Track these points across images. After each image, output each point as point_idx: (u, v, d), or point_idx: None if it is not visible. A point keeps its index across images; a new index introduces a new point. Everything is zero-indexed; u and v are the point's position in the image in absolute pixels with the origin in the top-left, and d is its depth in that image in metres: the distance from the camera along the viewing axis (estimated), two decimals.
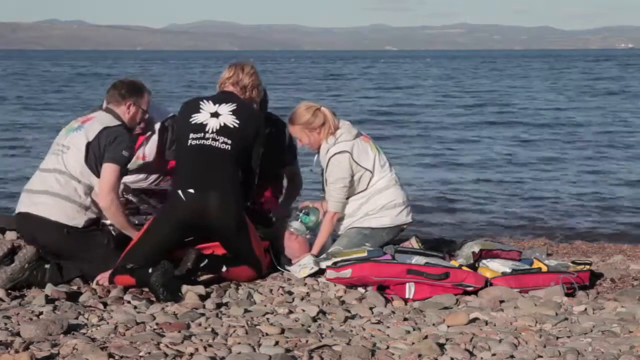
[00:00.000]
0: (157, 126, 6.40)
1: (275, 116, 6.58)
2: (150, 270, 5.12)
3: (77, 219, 5.50)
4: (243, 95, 5.87)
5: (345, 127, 6.05)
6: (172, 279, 5.17)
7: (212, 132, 5.58)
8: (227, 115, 5.63)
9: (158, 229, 5.52)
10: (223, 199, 5.45)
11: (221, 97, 5.79)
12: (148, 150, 6.45)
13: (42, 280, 5.36)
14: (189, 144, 5.61)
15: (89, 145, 5.51)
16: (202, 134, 5.58)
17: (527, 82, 48.99)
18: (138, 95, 5.80)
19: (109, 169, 5.50)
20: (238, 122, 5.61)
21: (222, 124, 5.60)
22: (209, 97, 5.83)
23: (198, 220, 5.48)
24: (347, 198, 6.07)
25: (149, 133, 6.41)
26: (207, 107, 5.69)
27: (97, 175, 5.51)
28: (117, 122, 5.66)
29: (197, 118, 5.65)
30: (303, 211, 6.21)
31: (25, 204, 5.59)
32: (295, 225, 6.15)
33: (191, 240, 5.61)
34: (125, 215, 5.65)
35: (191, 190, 5.47)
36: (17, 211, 5.65)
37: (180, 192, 5.50)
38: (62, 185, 5.49)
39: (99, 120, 5.64)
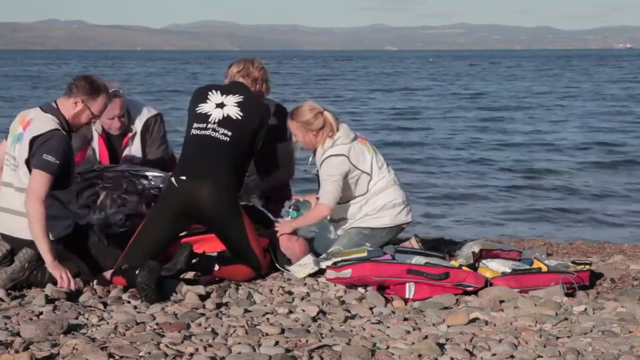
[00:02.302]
0: (139, 125, 6.41)
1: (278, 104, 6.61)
2: (137, 271, 5.13)
3: (53, 232, 5.32)
4: (253, 88, 5.91)
5: (343, 130, 6.04)
6: (160, 279, 5.16)
7: (214, 123, 5.61)
8: (231, 107, 5.66)
9: (155, 220, 5.56)
10: (214, 187, 5.46)
11: (230, 88, 5.83)
12: (134, 150, 6.46)
13: (43, 280, 5.35)
14: (191, 134, 5.67)
15: (27, 162, 5.30)
16: (205, 125, 5.63)
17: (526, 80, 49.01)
18: (91, 95, 5.42)
19: (35, 177, 5.21)
20: (242, 114, 5.64)
21: (225, 115, 5.63)
22: (219, 86, 5.87)
23: (190, 208, 5.50)
24: (347, 202, 6.08)
25: (132, 133, 6.41)
26: (214, 97, 5.72)
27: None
28: (52, 126, 5.31)
29: (202, 108, 5.70)
30: (292, 207, 6.20)
31: (3, 225, 5.40)
32: None
33: (185, 235, 5.64)
34: (42, 229, 5.18)
35: (183, 177, 5.50)
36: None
37: (173, 179, 5.54)
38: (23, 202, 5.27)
39: (32, 128, 5.32)
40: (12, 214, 5.38)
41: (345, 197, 6.06)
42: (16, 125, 5.48)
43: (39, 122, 5.37)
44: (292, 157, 6.76)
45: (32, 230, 5.21)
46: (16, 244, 5.40)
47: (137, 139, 6.42)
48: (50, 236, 5.29)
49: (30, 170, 5.29)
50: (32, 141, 5.29)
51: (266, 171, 6.53)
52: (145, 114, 6.44)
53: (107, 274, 5.42)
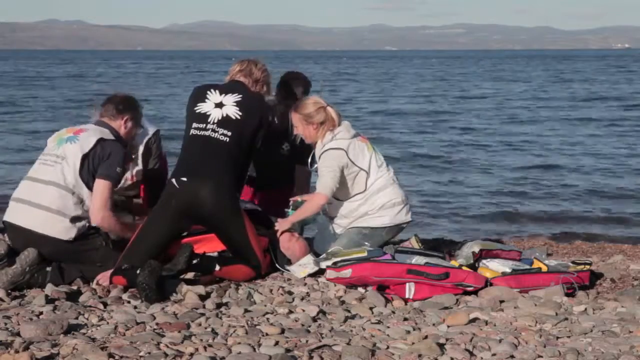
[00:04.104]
0: (140, 148, 6.41)
1: None
2: (138, 271, 5.14)
3: (69, 232, 5.45)
4: (253, 88, 5.90)
5: (344, 126, 6.08)
6: (160, 279, 5.16)
7: (213, 123, 5.62)
8: (230, 106, 5.67)
9: (155, 221, 5.57)
10: (215, 188, 5.47)
11: (229, 87, 5.83)
12: (136, 171, 6.47)
13: (44, 282, 5.35)
14: (190, 134, 5.67)
15: (85, 157, 5.47)
16: (204, 125, 5.63)
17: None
18: (135, 110, 5.80)
19: (101, 186, 5.48)
20: (241, 113, 5.65)
21: (225, 115, 5.64)
22: (218, 85, 5.87)
23: (190, 209, 5.50)
24: (346, 199, 6.09)
25: (134, 154, 6.42)
26: (213, 96, 5.73)
27: (88, 187, 5.48)
28: (112, 137, 5.62)
29: (201, 108, 5.71)
30: (291, 207, 6.21)
31: (16, 215, 5.51)
32: None
33: (185, 235, 5.65)
34: (119, 225, 5.64)
35: (184, 179, 5.51)
36: (7, 220, 5.56)
37: (174, 180, 5.54)
38: (56, 198, 5.43)
39: (94, 132, 5.59)
40: (32, 207, 5.45)
41: (344, 194, 6.08)
42: (63, 132, 5.69)
43: (97, 131, 5.61)
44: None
45: (111, 233, 5.63)
46: (30, 238, 5.42)
47: (139, 160, 6.43)
48: (66, 237, 5.43)
49: (82, 165, 5.47)
50: (98, 142, 5.51)
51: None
52: (146, 135, 6.43)
53: (107, 274, 5.42)
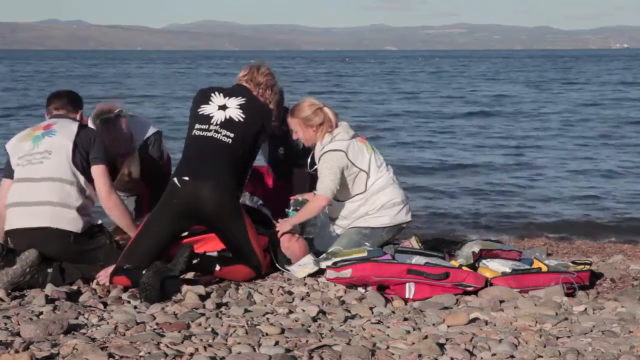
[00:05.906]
0: (137, 146, 6.41)
1: None
2: (143, 272, 5.14)
3: (77, 223, 5.44)
4: (256, 92, 5.95)
5: (343, 127, 6.08)
6: (164, 280, 5.16)
7: (216, 125, 5.65)
8: (233, 109, 5.70)
9: (156, 220, 5.57)
10: (217, 188, 5.49)
11: (233, 90, 5.88)
12: (134, 167, 6.46)
13: (44, 283, 5.35)
14: (193, 134, 5.69)
15: (75, 145, 5.48)
16: (207, 126, 5.66)
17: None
18: (81, 103, 5.87)
19: (100, 170, 5.53)
20: (244, 116, 5.68)
21: (228, 117, 5.67)
22: (222, 88, 5.91)
23: (192, 208, 5.51)
24: (346, 200, 6.09)
25: (132, 149, 6.41)
26: (217, 99, 5.77)
27: (83, 173, 5.49)
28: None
29: (204, 109, 5.74)
30: (292, 207, 6.20)
31: (16, 220, 5.44)
32: None
33: (186, 235, 5.66)
34: (129, 216, 5.70)
35: (186, 178, 5.52)
36: (10, 228, 5.47)
37: (176, 179, 5.56)
38: (56, 191, 5.41)
39: (67, 122, 5.61)
40: (32, 206, 5.42)
41: (344, 195, 6.08)
42: (29, 132, 5.66)
43: (67, 121, 5.63)
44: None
45: (120, 222, 5.69)
46: (34, 238, 5.39)
47: (136, 159, 6.42)
48: (74, 228, 5.43)
49: (75, 152, 5.47)
50: (80, 129, 5.55)
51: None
52: (144, 134, 6.41)
53: (107, 272, 5.42)
